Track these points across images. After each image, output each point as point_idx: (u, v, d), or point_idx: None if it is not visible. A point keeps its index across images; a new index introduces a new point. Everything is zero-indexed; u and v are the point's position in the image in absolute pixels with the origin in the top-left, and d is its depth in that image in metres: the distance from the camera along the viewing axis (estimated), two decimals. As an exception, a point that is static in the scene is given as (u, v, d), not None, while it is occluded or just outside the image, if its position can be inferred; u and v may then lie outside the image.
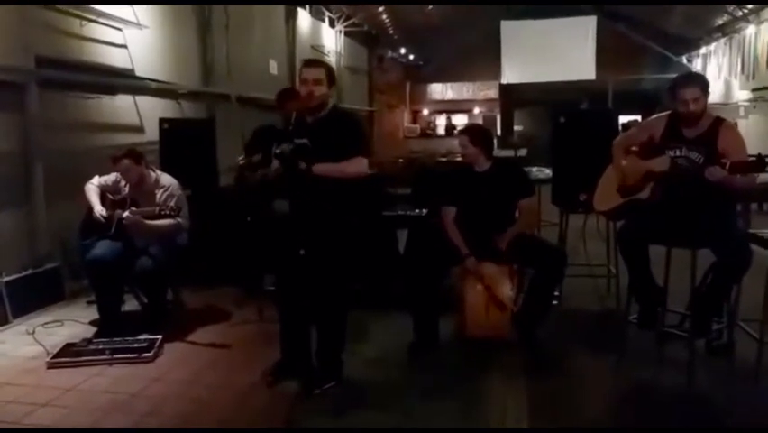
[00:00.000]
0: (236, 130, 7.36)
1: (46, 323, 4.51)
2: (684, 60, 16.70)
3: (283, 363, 3.42)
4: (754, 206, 7.91)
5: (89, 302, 4.77)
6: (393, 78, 18.73)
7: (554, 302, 4.28)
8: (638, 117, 13.01)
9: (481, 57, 18.79)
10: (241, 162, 3.50)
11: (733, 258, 3.25)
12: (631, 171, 3.56)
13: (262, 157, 3.58)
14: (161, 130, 5.87)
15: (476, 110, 20.30)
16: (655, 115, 3.68)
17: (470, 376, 3.51)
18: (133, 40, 6.48)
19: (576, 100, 14.09)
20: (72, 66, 5.59)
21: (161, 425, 3.02)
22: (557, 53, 17.90)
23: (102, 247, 4.15)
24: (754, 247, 3.37)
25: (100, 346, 3.85)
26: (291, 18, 11.04)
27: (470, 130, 4.10)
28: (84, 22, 5.75)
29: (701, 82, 3.38)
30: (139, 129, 6.57)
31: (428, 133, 19.67)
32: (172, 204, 4.22)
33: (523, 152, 9.91)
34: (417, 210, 4.85)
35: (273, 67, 10.23)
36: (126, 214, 4.12)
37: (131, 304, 4.63)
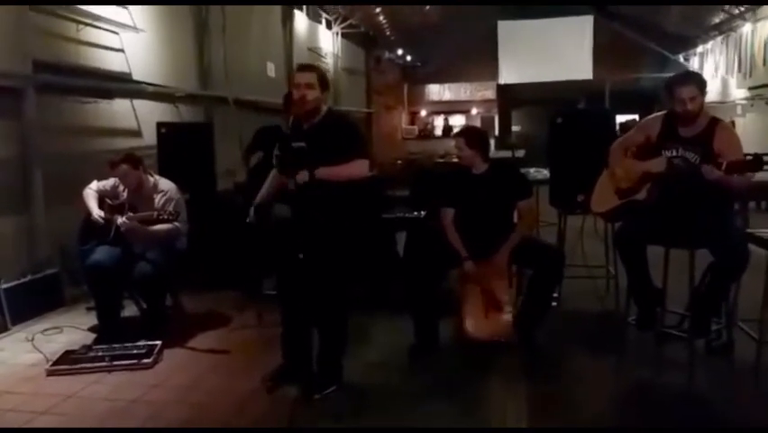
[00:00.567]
0: (234, 133, 7.38)
1: (45, 330, 4.50)
2: (681, 59, 16.70)
3: (283, 368, 3.41)
4: (752, 205, 7.91)
5: (89, 308, 4.77)
6: (390, 79, 18.73)
7: (553, 303, 4.28)
8: (636, 117, 13.04)
9: (479, 57, 18.78)
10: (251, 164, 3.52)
11: (731, 258, 3.26)
12: (628, 173, 3.56)
13: (263, 157, 3.60)
14: (159, 134, 5.87)
15: (474, 111, 20.28)
16: (651, 116, 3.69)
17: (470, 379, 3.51)
18: (130, 43, 6.48)
19: (573, 100, 14.11)
20: (69, 70, 5.59)
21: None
22: (554, 53, 17.90)
23: (101, 253, 4.15)
24: (752, 247, 3.38)
25: (99, 353, 3.84)
26: (288, 20, 11.04)
27: (465, 132, 4.08)
28: (81, 26, 5.75)
29: (698, 81, 3.38)
30: (137, 133, 6.56)
31: (426, 134, 19.64)
32: (170, 208, 4.22)
33: (521, 152, 9.89)
34: (416, 212, 4.85)
35: (271, 69, 10.23)
36: (122, 220, 4.12)
37: (130, 310, 4.62)
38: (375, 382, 3.49)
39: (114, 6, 6.18)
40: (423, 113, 20.72)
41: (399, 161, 12.90)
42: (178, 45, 7.56)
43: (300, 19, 11.69)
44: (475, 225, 3.90)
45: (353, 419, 3.08)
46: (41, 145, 5.15)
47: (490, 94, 19.65)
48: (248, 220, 3.50)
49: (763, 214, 8.51)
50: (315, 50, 12.39)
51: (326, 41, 13.34)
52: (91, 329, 4.44)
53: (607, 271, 4.98)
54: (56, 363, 3.77)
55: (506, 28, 18.67)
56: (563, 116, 4.88)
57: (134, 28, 6.46)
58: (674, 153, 3.39)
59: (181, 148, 5.72)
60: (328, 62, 13.17)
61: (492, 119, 19.91)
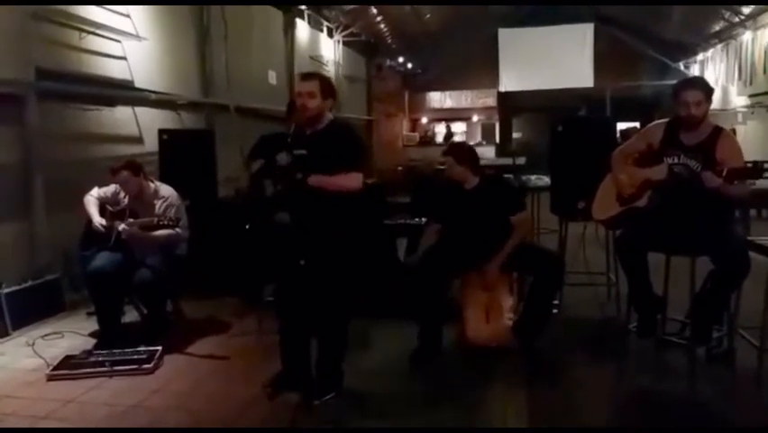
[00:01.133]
0: (235, 140, 7.38)
1: (46, 335, 4.51)
2: (682, 67, 16.76)
3: (283, 375, 3.41)
4: (753, 212, 7.91)
5: (89, 314, 4.77)
6: (391, 86, 18.78)
7: (554, 310, 4.29)
8: (636, 124, 13.04)
9: (479, 65, 18.86)
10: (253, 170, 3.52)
11: (731, 265, 3.26)
12: (629, 180, 3.57)
13: (264, 164, 3.60)
14: (161, 141, 5.89)
15: (474, 118, 20.33)
16: (654, 123, 3.68)
17: (471, 385, 3.50)
18: (132, 51, 6.51)
19: (574, 107, 14.13)
20: (72, 78, 5.62)
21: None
22: (555, 60, 17.97)
23: (102, 259, 4.15)
24: (752, 254, 3.38)
25: (100, 358, 3.84)
26: (290, 28, 11.08)
27: (453, 150, 4.03)
28: (83, 34, 5.78)
29: (704, 87, 3.37)
30: (138, 140, 6.59)
31: (427, 141, 19.69)
32: (171, 214, 4.23)
33: (521, 159, 9.90)
34: (417, 219, 4.86)
35: (272, 77, 10.26)
36: (123, 226, 4.13)
37: (130, 315, 4.62)
38: (375, 388, 3.49)
39: (116, 14, 6.21)
40: (424, 120, 20.77)
41: (400, 168, 12.92)
42: (180, 53, 7.60)
43: (302, 27, 11.74)
44: (470, 237, 3.89)
45: (353, 424, 3.08)
46: (43, 152, 5.17)
47: (491, 101, 19.71)
48: (248, 226, 3.51)
49: (763, 221, 8.50)
50: (316, 58, 12.43)
51: (328, 48, 13.39)
52: (92, 334, 4.45)
53: (608, 278, 4.98)
54: (56, 367, 3.77)
55: (506, 35, 18.75)
56: (564, 124, 4.88)
57: (137, 36, 6.49)
58: (676, 160, 3.39)
59: (183, 155, 5.73)
60: (329, 70, 13.20)
61: (493, 126, 19.96)
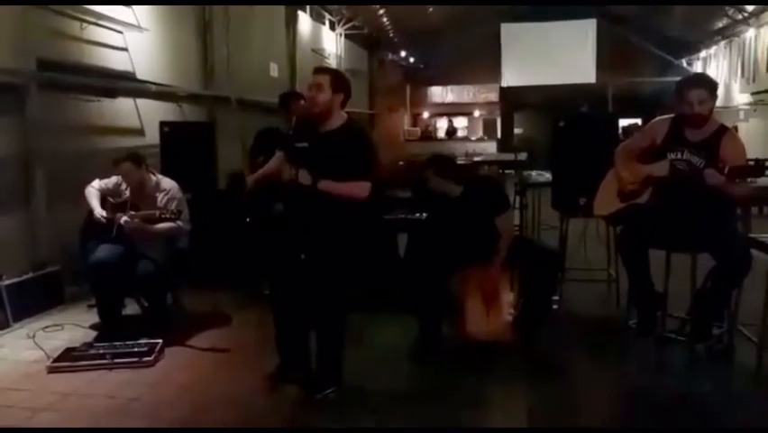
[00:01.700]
0: (237, 133, 7.38)
1: (46, 327, 4.51)
2: (684, 64, 16.72)
3: (284, 368, 3.41)
4: (754, 210, 7.90)
5: (90, 306, 4.77)
6: (393, 80, 18.76)
7: (554, 306, 4.29)
8: (638, 121, 13.02)
9: (482, 60, 18.81)
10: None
11: (732, 262, 3.25)
12: (631, 176, 3.56)
13: (264, 160, 3.60)
14: (162, 133, 5.88)
15: (476, 113, 20.31)
16: (658, 118, 3.66)
17: (471, 380, 3.50)
18: (134, 42, 6.49)
19: (576, 103, 14.09)
20: (73, 69, 5.60)
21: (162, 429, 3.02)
22: (557, 56, 17.93)
23: (103, 251, 4.15)
24: (753, 252, 3.38)
25: (100, 351, 3.84)
26: (292, 21, 11.05)
27: (434, 163, 4.00)
28: (85, 24, 5.76)
29: (709, 84, 3.34)
30: (139, 132, 6.57)
31: (428, 135, 19.67)
32: (173, 207, 4.22)
33: (523, 155, 9.89)
34: (417, 214, 4.85)
35: (274, 69, 10.25)
36: (125, 219, 4.12)
37: (131, 308, 4.62)
38: (376, 382, 3.49)
39: (118, 5, 6.19)
40: (425, 115, 20.75)
41: (401, 163, 12.89)
42: (182, 45, 7.58)
43: (304, 20, 11.71)
44: (461, 240, 3.89)
45: (353, 419, 3.08)
46: (44, 143, 5.16)
47: (493, 96, 19.68)
48: (249, 219, 3.51)
49: (764, 219, 8.50)
50: (318, 52, 12.40)
51: (330, 42, 13.36)
52: (92, 327, 4.45)
53: (608, 274, 4.98)
54: (57, 360, 3.77)
55: (509, 31, 18.70)
56: (566, 120, 4.87)
57: (138, 27, 6.47)
58: (679, 156, 3.38)
59: (184, 147, 5.73)
60: (331, 63, 13.18)
61: (495, 121, 19.95)
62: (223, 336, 4.31)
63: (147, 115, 6.63)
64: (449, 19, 16.36)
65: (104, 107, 6.09)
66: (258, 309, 4.46)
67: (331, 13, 13.20)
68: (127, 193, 4.39)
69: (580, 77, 17.69)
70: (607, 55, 17.71)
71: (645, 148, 3.56)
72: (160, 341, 3.96)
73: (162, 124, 5.99)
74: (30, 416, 3.14)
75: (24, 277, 4.86)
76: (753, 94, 11.86)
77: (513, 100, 19.51)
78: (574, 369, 3.71)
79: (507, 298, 3.93)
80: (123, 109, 6.39)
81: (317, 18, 12.58)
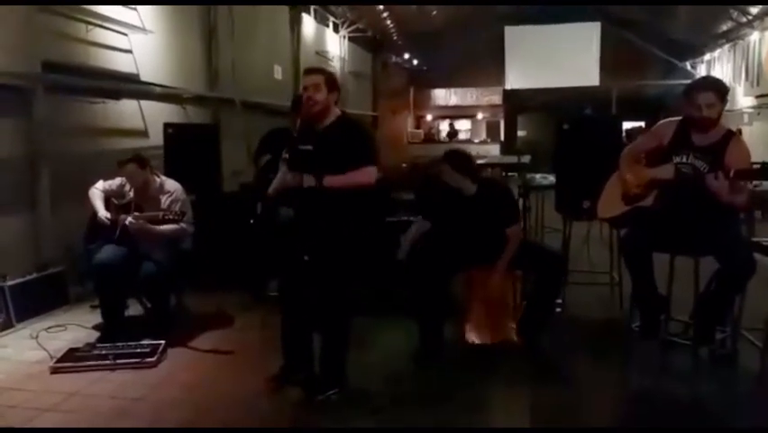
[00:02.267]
0: (241, 135, 7.40)
1: (50, 327, 4.52)
2: (688, 66, 16.69)
3: (286, 370, 3.42)
4: (757, 214, 7.88)
5: (93, 307, 4.79)
6: (397, 83, 18.77)
7: (558, 309, 4.28)
8: (642, 124, 13.01)
9: (485, 62, 18.81)
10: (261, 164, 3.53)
11: (736, 266, 3.25)
12: (635, 179, 3.55)
13: (270, 160, 3.61)
14: (166, 135, 5.89)
15: (479, 115, 20.30)
16: (665, 120, 3.64)
17: (473, 383, 3.50)
18: (139, 45, 6.51)
19: (580, 106, 14.09)
20: (78, 71, 5.62)
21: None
22: (561, 59, 17.92)
23: (107, 252, 4.16)
24: (757, 256, 3.37)
25: (103, 351, 3.85)
26: (296, 23, 11.08)
27: (450, 158, 3.96)
28: (90, 27, 5.78)
29: (718, 88, 3.30)
30: (144, 134, 6.59)
31: (432, 138, 19.67)
32: (177, 209, 4.23)
33: (526, 158, 9.90)
34: (421, 216, 4.84)
35: (278, 72, 10.27)
36: (130, 219, 4.14)
37: (134, 309, 4.63)
38: (378, 384, 3.49)
39: (123, 8, 6.22)
40: (429, 117, 20.75)
41: (404, 165, 12.90)
42: (187, 47, 7.60)
43: (308, 22, 11.73)
44: (469, 240, 3.89)
45: (356, 421, 3.08)
46: (49, 144, 5.18)
47: (497, 99, 19.67)
48: (253, 221, 3.51)
49: (767, 223, 8.48)
50: (322, 54, 12.43)
51: (333, 44, 13.38)
52: (95, 327, 4.46)
53: (611, 277, 4.97)
54: (60, 360, 3.79)
55: (512, 33, 18.70)
56: (570, 122, 4.87)
57: (143, 29, 6.50)
58: (684, 159, 3.37)
59: (188, 149, 5.74)
60: (335, 66, 13.20)
61: (498, 124, 19.94)
62: (226, 338, 4.32)
63: (151, 117, 6.65)
64: (452, 21, 16.37)
65: (108, 109, 6.11)
66: (261, 311, 4.47)
67: (335, 16, 13.22)
68: (131, 194, 4.40)
69: (584, 79, 17.68)
70: (610, 58, 17.70)
71: (651, 150, 3.55)
72: (163, 342, 3.97)
73: (166, 125, 6.00)
74: (33, 416, 3.15)
75: (28, 277, 4.88)
76: (757, 97, 11.83)
77: (516, 103, 19.50)
78: (577, 372, 3.70)
79: (511, 301, 3.93)
80: (128, 111, 6.41)
81: (321, 21, 12.61)
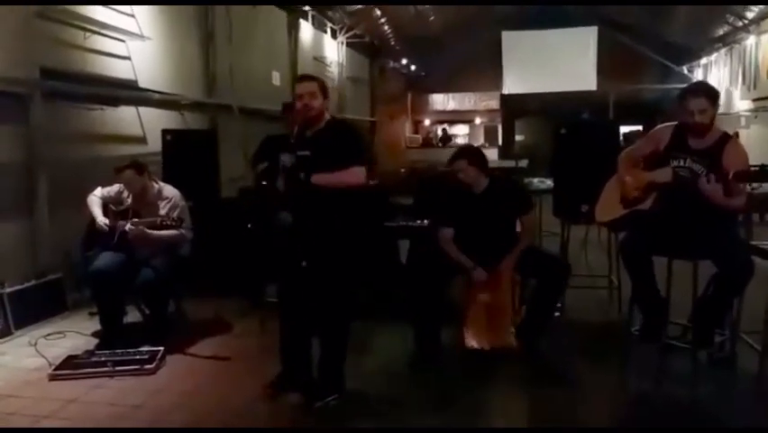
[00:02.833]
0: (239, 141, 7.40)
1: (48, 334, 4.51)
2: (685, 71, 16.75)
3: (285, 376, 3.41)
4: (755, 217, 7.90)
5: (91, 313, 4.78)
6: (395, 88, 18.81)
7: (556, 313, 4.28)
8: (639, 128, 13.04)
9: (483, 67, 18.87)
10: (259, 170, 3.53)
11: (734, 269, 3.25)
12: (634, 182, 3.56)
13: (268, 166, 3.61)
14: (164, 141, 5.90)
15: (477, 120, 20.35)
16: (662, 125, 3.65)
17: (472, 387, 3.50)
18: (137, 51, 6.52)
19: (577, 110, 14.14)
20: (76, 77, 5.63)
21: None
22: (558, 64, 17.98)
23: (105, 258, 4.16)
24: (755, 259, 3.37)
25: (102, 358, 3.85)
26: (293, 29, 11.10)
27: (466, 153, 4.01)
28: (88, 34, 5.79)
29: (709, 93, 3.33)
30: (142, 140, 6.59)
31: (430, 143, 19.71)
32: (175, 215, 4.23)
33: (524, 162, 9.92)
34: (419, 221, 4.86)
35: (276, 78, 10.28)
36: (128, 226, 4.13)
37: (133, 316, 4.62)
38: (376, 390, 3.49)
39: (120, 14, 6.23)
40: (427, 122, 20.80)
41: (403, 170, 12.91)
42: (185, 53, 7.61)
43: (305, 28, 11.76)
44: (478, 240, 3.90)
45: (354, 426, 3.08)
46: (47, 151, 5.18)
47: (494, 104, 19.73)
48: (251, 226, 3.51)
49: (766, 226, 8.48)
50: (320, 60, 12.45)
51: (331, 50, 13.40)
52: (94, 334, 4.45)
53: (609, 281, 4.98)
54: (59, 367, 3.78)
55: (510, 38, 18.76)
56: (567, 127, 4.89)
57: (141, 36, 6.51)
58: (682, 164, 3.38)
59: (186, 155, 5.74)
60: (333, 71, 13.23)
61: (496, 129, 19.98)
62: (224, 344, 4.31)
63: (149, 124, 6.66)
64: (450, 27, 16.43)
65: (106, 116, 6.11)
66: (259, 317, 4.47)
67: (332, 22, 13.25)
68: (129, 201, 4.40)
69: (582, 84, 17.74)
70: (608, 62, 17.76)
71: (649, 154, 3.56)
72: (162, 349, 3.96)
73: (164, 132, 6.00)
74: (31, 423, 3.15)
75: (27, 284, 4.87)
76: (753, 100, 11.88)
77: (514, 107, 19.55)
78: (576, 376, 3.70)
79: (510, 305, 3.93)
80: (126, 117, 6.42)
81: (319, 26, 12.64)
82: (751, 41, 12.14)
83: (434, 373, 3.71)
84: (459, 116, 20.43)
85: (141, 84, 6.60)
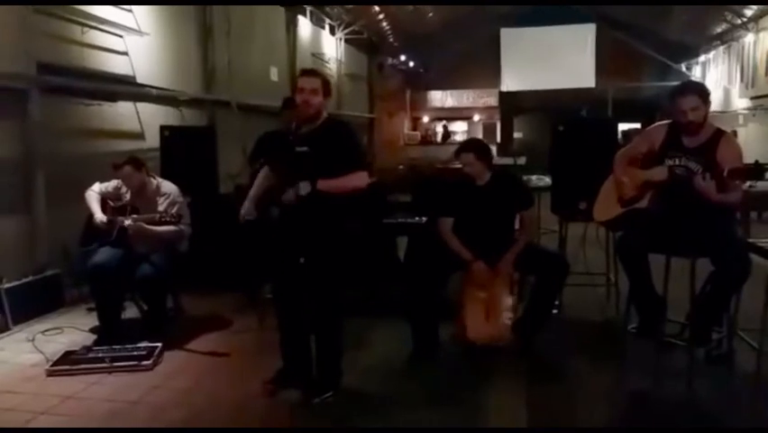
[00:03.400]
0: (237, 137, 7.39)
1: (46, 330, 4.51)
2: (683, 68, 16.75)
3: (284, 372, 3.41)
4: (753, 214, 7.92)
5: (89, 309, 4.78)
6: (393, 85, 18.79)
7: (554, 311, 4.29)
8: (638, 125, 13.04)
9: (481, 64, 18.87)
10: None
11: (732, 267, 3.25)
12: (630, 182, 3.56)
13: (263, 163, 3.61)
14: (162, 137, 5.89)
15: (476, 117, 20.34)
16: (655, 124, 3.68)
17: (470, 384, 3.51)
18: (135, 47, 6.51)
19: (576, 108, 14.14)
20: (74, 72, 5.62)
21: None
22: (557, 61, 17.98)
23: (103, 254, 4.16)
24: (753, 257, 3.37)
25: (100, 354, 3.84)
26: (292, 25, 11.08)
27: (474, 146, 4.00)
28: (85, 29, 5.78)
29: (700, 91, 3.35)
30: (140, 136, 6.58)
31: (428, 140, 19.70)
32: (173, 211, 4.23)
33: (522, 159, 9.93)
34: (417, 218, 4.86)
35: (274, 74, 10.27)
36: (128, 222, 4.13)
37: (131, 311, 4.62)
38: (375, 386, 3.49)
39: (118, 9, 6.21)
40: (425, 119, 20.79)
41: (401, 167, 12.91)
42: (183, 49, 7.59)
43: (304, 24, 11.74)
44: (478, 234, 3.90)
45: (352, 423, 3.08)
46: (45, 146, 5.17)
47: (493, 101, 19.72)
48: (243, 213, 3.50)
49: (763, 223, 8.51)
50: (318, 56, 12.43)
51: (330, 46, 13.38)
52: (92, 330, 4.45)
53: (607, 278, 4.98)
54: (56, 363, 3.78)
55: (508, 35, 18.76)
56: (566, 124, 4.88)
57: (139, 31, 6.49)
58: (677, 162, 3.39)
59: (184, 151, 5.73)
60: (331, 68, 13.21)
61: (494, 126, 19.99)
62: (222, 340, 4.31)
63: (147, 119, 6.64)
64: (449, 23, 16.42)
65: (104, 111, 6.10)
66: (258, 313, 4.47)
67: (331, 18, 13.23)
68: (128, 197, 4.40)
69: (580, 81, 17.75)
70: (606, 59, 17.78)
71: (644, 154, 3.57)
72: (160, 344, 3.96)
73: (163, 128, 6.00)
74: (29, 419, 3.14)
75: (24, 280, 4.87)
76: (752, 99, 11.89)
77: (512, 104, 19.55)
78: (573, 373, 3.70)
79: (508, 301, 3.93)
80: (124, 113, 6.41)
81: (317, 22, 12.61)
82: (749, 38, 12.15)
83: (431, 370, 3.71)
84: (457, 113, 20.42)
85: (139, 79, 6.59)
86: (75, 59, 5.68)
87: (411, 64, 18.41)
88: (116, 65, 6.27)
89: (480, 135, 19.62)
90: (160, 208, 4.27)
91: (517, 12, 17.74)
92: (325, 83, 3.26)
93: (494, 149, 17.68)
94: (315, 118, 3.24)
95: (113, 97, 6.21)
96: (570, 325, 4.49)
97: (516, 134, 20.10)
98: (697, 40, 15.24)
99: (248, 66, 9.09)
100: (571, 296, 4.76)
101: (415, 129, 20.35)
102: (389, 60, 17.67)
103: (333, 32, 13.55)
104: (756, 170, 3.09)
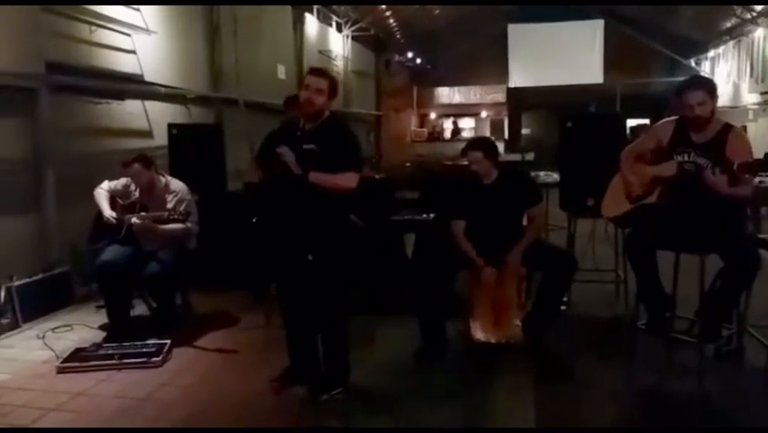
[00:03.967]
0: (244, 134, 7.39)
1: (56, 327, 4.54)
2: (693, 63, 16.65)
3: (291, 369, 3.42)
4: (763, 210, 7.86)
5: (98, 307, 4.80)
6: (400, 81, 18.78)
7: (563, 307, 4.27)
8: (647, 121, 12.98)
9: (489, 60, 18.81)
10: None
11: (741, 263, 3.23)
12: (639, 179, 3.54)
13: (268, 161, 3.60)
14: (170, 135, 5.90)
15: (483, 114, 20.29)
16: (663, 120, 3.66)
17: (478, 381, 3.50)
18: (142, 45, 6.53)
19: (584, 104, 14.08)
20: (82, 71, 5.65)
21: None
22: (565, 57, 17.89)
23: (112, 252, 4.18)
24: (763, 252, 3.36)
25: (109, 351, 3.87)
26: (299, 23, 11.09)
27: (482, 144, 3.99)
28: (93, 28, 5.81)
29: (707, 86, 3.33)
30: (148, 134, 6.61)
31: (435, 136, 19.67)
32: (182, 208, 4.24)
33: (530, 155, 9.90)
34: (425, 215, 4.85)
35: (281, 71, 10.28)
36: (135, 219, 4.15)
37: (140, 309, 4.64)
38: (382, 384, 3.49)
39: (126, 8, 6.23)
40: (432, 115, 20.76)
41: (408, 164, 12.92)
42: (190, 47, 7.61)
43: (311, 22, 11.74)
44: (487, 232, 3.89)
45: (359, 420, 3.08)
46: (54, 145, 5.20)
47: (500, 97, 19.67)
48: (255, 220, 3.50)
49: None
50: (325, 53, 12.43)
51: (337, 43, 13.38)
52: (101, 327, 4.47)
53: (616, 275, 4.96)
54: (66, 360, 3.80)
55: (516, 31, 18.68)
56: (574, 120, 4.86)
57: (146, 30, 6.51)
58: (686, 158, 3.36)
59: (192, 149, 5.74)
60: (338, 65, 13.21)
61: (502, 122, 19.94)
62: (230, 337, 4.33)
63: (155, 117, 6.67)
64: (456, 20, 16.38)
65: (113, 110, 6.13)
66: (265, 310, 4.48)
67: (338, 15, 13.23)
68: (136, 194, 4.42)
69: (588, 77, 17.65)
70: (614, 55, 17.68)
71: (652, 150, 3.54)
72: (169, 341, 3.98)
73: (170, 125, 6.01)
74: (39, 415, 3.17)
75: (34, 278, 4.90)
76: (762, 93, 11.80)
77: (520, 101, 19.49)
78: (582, 370, 3.69)
79: (516, 299, 3.92)
80: (132, 111, 6.44)
81: (324, 20, 12.61)
82: (759, 33, 12.05)
83: (439, 367, 3.71)
84: (465, 110, 20.38)
85: (147, 78, 6.62)
86: (83, 58, 5.71)
87: (418, 61, 18.40)
88: (124, 63, 6.30)
89: (487, 132, 19.63)
90: (169, 206, 4.29)
91: (525, 8, 17.66)
92: (332, 85, 3.25)
93: (502, 145, 17.74)
94: (318, 115, 3.24)
95: (121, 96, 6.23)
96: (578, 321, 4.47)
97: (525, 131, 20.05)
98: (706, 35, 15.14)
99: (255, 64, 9.11)
100: (579, 292, 4.74)
101: (422, 126, 20.33)
102: (396, 57, 17.66)
103: (340, 29, 13.56)
104: (766, 164, 3.07)
